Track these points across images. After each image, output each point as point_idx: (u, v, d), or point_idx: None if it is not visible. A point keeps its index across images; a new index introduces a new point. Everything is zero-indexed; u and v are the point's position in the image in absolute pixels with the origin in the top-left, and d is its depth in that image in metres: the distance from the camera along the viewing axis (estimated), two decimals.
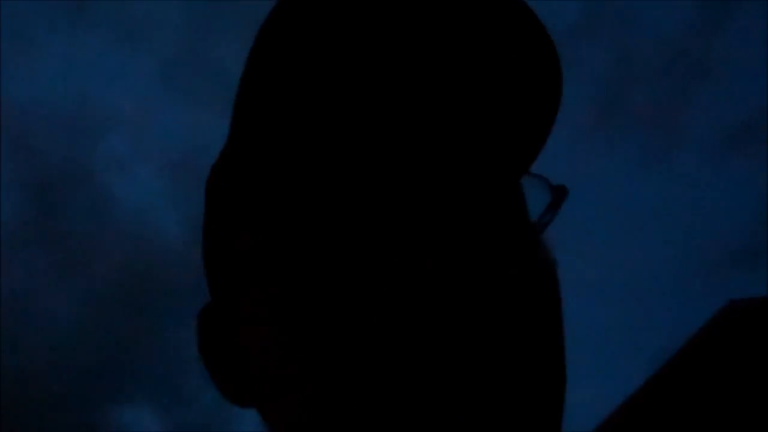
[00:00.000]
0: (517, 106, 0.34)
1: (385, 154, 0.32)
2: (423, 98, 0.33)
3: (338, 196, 0.32)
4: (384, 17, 0.33)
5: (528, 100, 0.34)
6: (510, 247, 0.32)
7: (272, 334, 0.33)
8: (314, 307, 0.31)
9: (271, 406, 0.34)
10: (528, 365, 0.32)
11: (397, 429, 0.31)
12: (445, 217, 0.32)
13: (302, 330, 0.31)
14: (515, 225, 0.33)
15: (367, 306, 0.31)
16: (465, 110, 0.33)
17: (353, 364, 0.31)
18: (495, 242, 0.32)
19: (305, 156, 0.32)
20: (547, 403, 0.33)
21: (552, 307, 0.34)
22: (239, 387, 0.35)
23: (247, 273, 0.34)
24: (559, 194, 0.34)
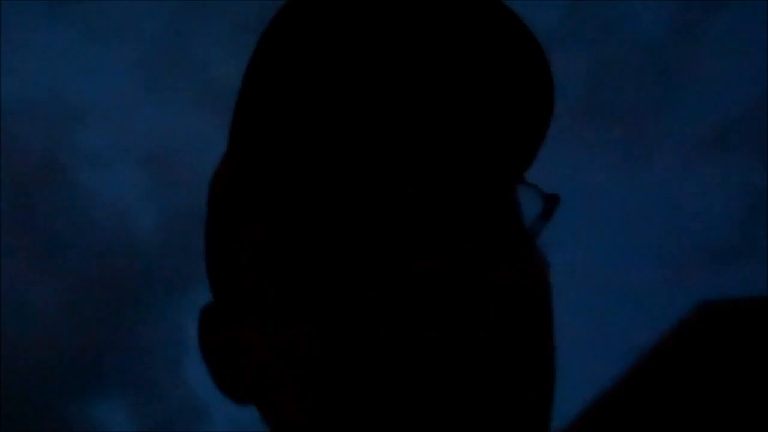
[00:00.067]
0: (511, 115, 0.35)
1: (382, 158, 0.33)
2: (420, 106, 0.34)
3: (337, 198, 0.33)
4: (381, 26, 0.34)
5: (521, 109, 0.35)
6: (504, 250, 0.33)
7: (270, 334, 0.33)
8: (312, 307, 0.32)
9: (270, 404, 0.35)
10: (519, 365, 0.33)
11: (393, 428, 0.32)
12: (441, 219, 0.32)
13: (300, 330, 0.32)
14: (509, 229, 0.34)
15: (364, 306, 0.32)
16: (461, 118, 0.34)
17: (350, 364, 0.32)
18: (490, 245, 0.33)
19: (304, 159, 0.33)
20: (538, 402, 0.34)
21: (543, 309, 0.35)
22: (238, 385, 0.36)
23: (247, 272, 0.34)
24: (551, 202, 0.35)
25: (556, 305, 0.36)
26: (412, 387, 0.32)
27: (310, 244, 0.34)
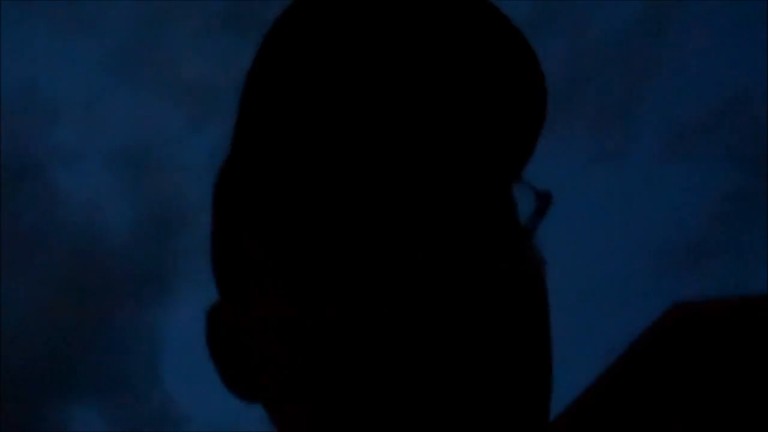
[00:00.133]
0: (506, 115, 0.36)
1: (382, 157, 0.34)
2: (419, 107, 0.35)
3: (337, 196, 0.33)
4: (381, 30, 0.35)
5: (516, 110, 0.36)
6: (501, 247, 0.34)
7: (272, 332, 0.34)
8: (311, 305, 0.33)
9: (273, 402, 0.35)
10: (517, 359, 0.33)
11: (394, 426, 0.32)
12: (440, 217, 0.33)
13: (303, 330, 0.33)
14: (507, 227, 0.35)
15: (362, 304, 0.33)
16: (459, 118, 0.35)
17: (349, 362, 0.32)
18: (487, 242, 0.33)
19: (306, 159, 0.34)
20: (536, 396, 0.34)
21: (540, 305, 0.35)
22: (245, 384, 0.37)
23: (251, 272, 0.35)
24: (544, 200, 0.36)
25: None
26: (410, 383, 0.32)
27: (311, 242, 0.34)
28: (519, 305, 0.34)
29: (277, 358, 0.35)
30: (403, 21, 0.35)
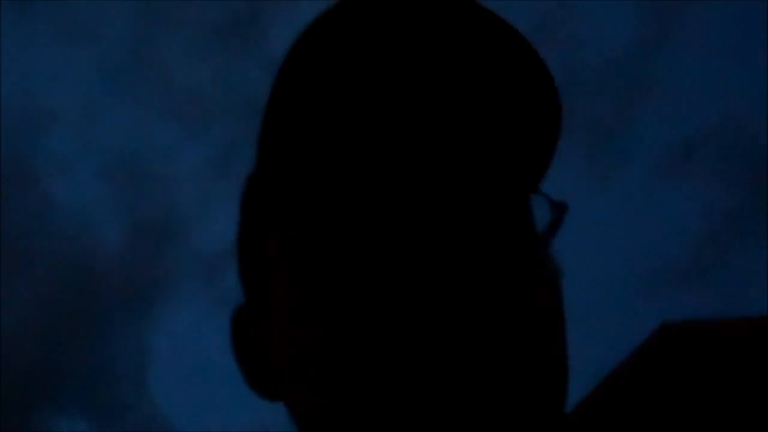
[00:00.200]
0: (525, 130, 0.37)
1: (403, 166, 0.35)
2: (440, 120, 0.36)
3: (357, 204, 0.35)
4: (405, 44, 0.36)
5: (534, 125, 0.38)
6: (518, 253, 0.35)
7: (290, 333, 0.35)
8: (327, 309, 0.34)
9: (296, 401, 0.36)
10: (533, 360, 0.34)
11: (413, 422, 0.33)
12: (460, 225, 0.34)
13: (314, 330, 0.34)
14: (524, 234, 0.36)
15: (376, 308, 0.33)
16: (480, 134, 0.36)
17: (360, 364, 0.33)
18: (505, 248, 0.34)
19: (328, 168, 0.35)
20: (552, 397, 0.35)
21: (555, 309, 0.36)
22: (267, 382, 0.38)
23: (273, 273, 0.36)
24: (560, 210, 0.37)
25: None
26: (429, 384, 0.32)
27: (331, 246, 0.35)
28: (536, 309, 0.34)
29: (296, 356, 0.35)
30: (426, 37, 0.36)
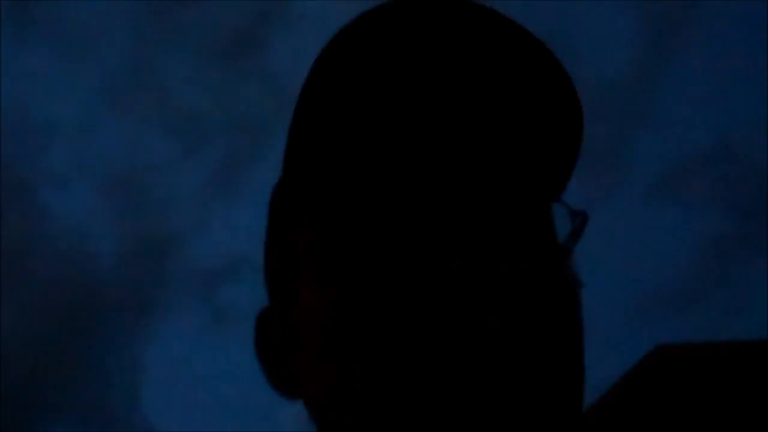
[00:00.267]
0: (547, 143, 0.38)
1: (428, 174, 0.36)
2: (465, 129, 0.37)
3: (382, 208, 0.36)
4: (430, 53, 0.37)
5: (556, 138, 0.39)
6: (539, 261, 0.36)
7: (316, 332, 0.36)
8: (355, 305, 0.35)
9: (317, 400, 0.37)
10: (551, 365, 0.35)
11: (432, 421, 0.34)
12: (483, 233, 0.35)
13: (343, 328, 0.35)
14: (545, 243, 0.37)
15: (405, 309, 0.35)
16: (504, 146, 0.37)
17: (390, 361, 0.34)
18: (526, 256, 0.35)
19: (352, 172, 0.36)
20: (567, 404, 0.36)
21: (574, 316, 0.37)
22: (288, 382, 0.39)
23: (298, 274, 0.37)
24: (580, 219, 0.38)
25: None
26: (449, 387, 0.34)
27: (355, 247, 0.36)
28: (555, 316, 0.35)
29: (318, 355, 0.37)
30: (452, 47, 0.37)
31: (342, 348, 0.35)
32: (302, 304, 0.38)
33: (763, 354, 3.51)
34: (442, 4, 0.38)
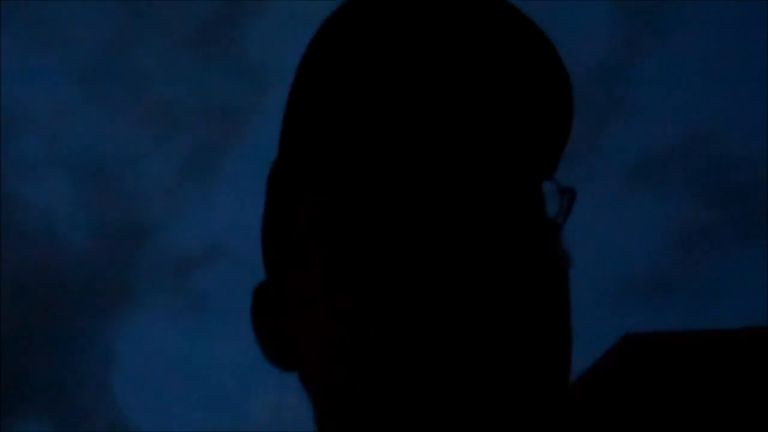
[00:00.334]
0: (538, 123, 0.39)
1: (419, 152, 0.37)
2: (459, 110, 0.38)
3: (375, 184, 0.36)
4: (421, 36, 0.38)
5: (547, 118, 0.39)
6: (530, 235, 0.36)
7: (308, 307, 0.37)
8: (348, 278, 0.36)
9: (311, 371, 0.38)
10: (540, 334, 0.36)
11: (423, 391, 0.35)
12: (476, 209, 0.36)
13: (337, 301, 0.36)
14: (535, 219, 0.37)
15: (395, 281, 0.36)
16: (496, 125, 0.38)
17: (383, 331, 0.35)
18: (517, 231, 0.36)
19: (346, 149, 0.37)
20: (555, 369, 0.37)
21: (562, 287, 0.38)
22: (283, 355, 0.40)
23: (292, 248, 0.38)
24: (569, 195, 0.39)
25: None
26: (438, 355, 0.34)
27: (349, 222, 0.37)
28: (545, 287, 0.36)
29: (312, 327, 0.37)
30: (444, 28, 0.38)
31: (340, 314, 0.36)
32: (294, 278, 0.38)
33: (732, 343, 3.54)
34: None
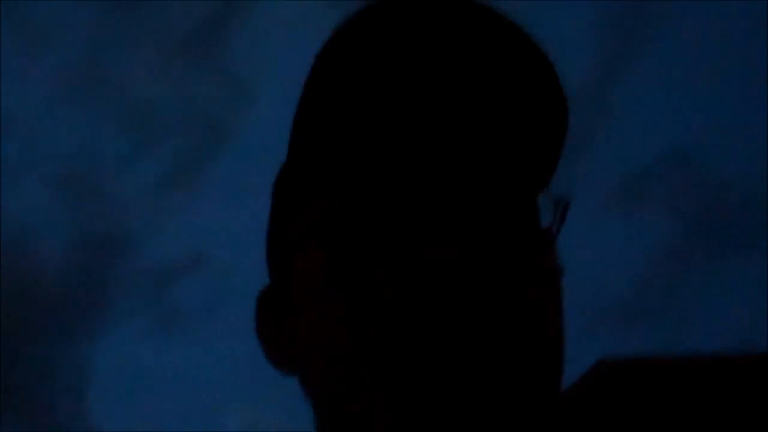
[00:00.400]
0: (533, 135, 0.41)
1: (419, 162, 0.39)
2: (459, 123, 0.40)
3: (376, 192, 0.39)
4: (424, 53, 0.40)
5: (542, 134, 0.41)
6: (525, 246, 0.39)
7: (310, 311, 0.39)
8: (349, 283, 0.38)
9: (312, 375, 0.40)
10: (533, 344, 0.38)
11: (419, 399, 0.36)
12: (473, 218, 0.38)
13: (339, 306, 0.37)
14: (530, 229, 0.40)
15: (396, 288, 0.37)
16: (493, 139, 0.40)
17: (383, 338, 0.37)
18: (513, 242, 0.38)
19: (352, 157, 0.40)
20: (547, 379, 0.39)
21: (556, 297, 0.40)
22: (286, 358, 0.41)
23: (297, 252, 0.41)
24: (562, 205, 0.41)
25: None
26: (435, 363, 0.36)
27: (351, 229, 0.39)
28: (539, 297, 0.38)
29: (313, 329, 0.39)
30: (450, 48, 0.40)
31: (340, 317, 0.37)
32: (297, 283, 0.40)
33: (709, 369, 3.55)
34: (442, 4, 0.41)
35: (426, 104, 0.39)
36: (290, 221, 0.42)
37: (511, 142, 0.40)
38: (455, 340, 0.36)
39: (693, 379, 3.36)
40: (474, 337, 0.36)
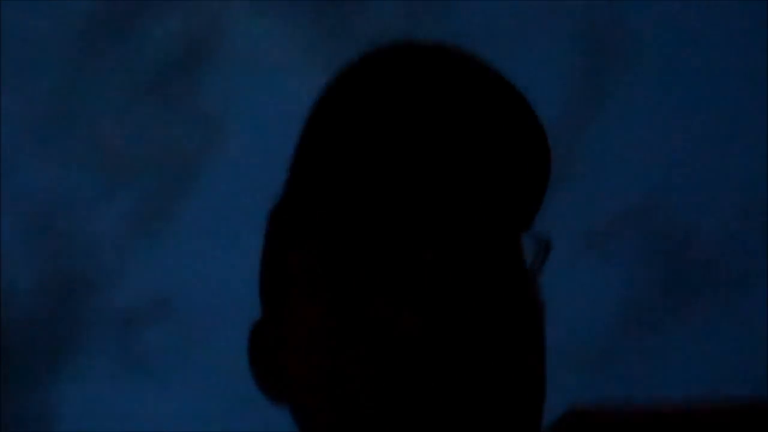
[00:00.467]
0: (517, 180, 0.49)
1: (412, 206, 0.47)
2: (450, 170, 0.47)
3: (370, 232, 0.46)
4: (419, 99, 0.48)
5: (527, 175, 0.50)
6: (510, 282, 0.47)
7: (306, 342, 0.40)
8: (342, 317, 0.45)
9: (304, 408, 0.49)
10: (516, 371, 0.39)
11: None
12: (461, 257, 0.46)
13: (331, 339, 0.39)
14: (514, 268, 0.48)
15: (387, 321, 0.44)
16: (479, 182, 0.48)
17: (373, 372, 0.38)
18: (498, 279, 0.46)
19: (348, 198, 0.47)
20: (530, 408, 0.41)
21: (538, 330, 0.49)
22: (278, 390, 0.50)
23: (291, 287, 0.49)
24: (545, 247, 0.50)
25: None
26: (428, 395, 0.43)
27: (344, 265, 0.46)
28: (522, 328, 0.46)
29: (302, 362, 0.47)
30: (440, 99, 0.48)
31: (330, 352, 0.45)
32: (291, 317, 0.48)
33: (681, 418, 3.51)
34: (432, 53, 0.49)
35: (416, 153, 0.47)
36: (283, 257, 0.50)
37: (499, 190, 0.48)
38: (443, 385, 0.43)
39: (667, 427, 3.32)
40: (459, 381, 0.43)
